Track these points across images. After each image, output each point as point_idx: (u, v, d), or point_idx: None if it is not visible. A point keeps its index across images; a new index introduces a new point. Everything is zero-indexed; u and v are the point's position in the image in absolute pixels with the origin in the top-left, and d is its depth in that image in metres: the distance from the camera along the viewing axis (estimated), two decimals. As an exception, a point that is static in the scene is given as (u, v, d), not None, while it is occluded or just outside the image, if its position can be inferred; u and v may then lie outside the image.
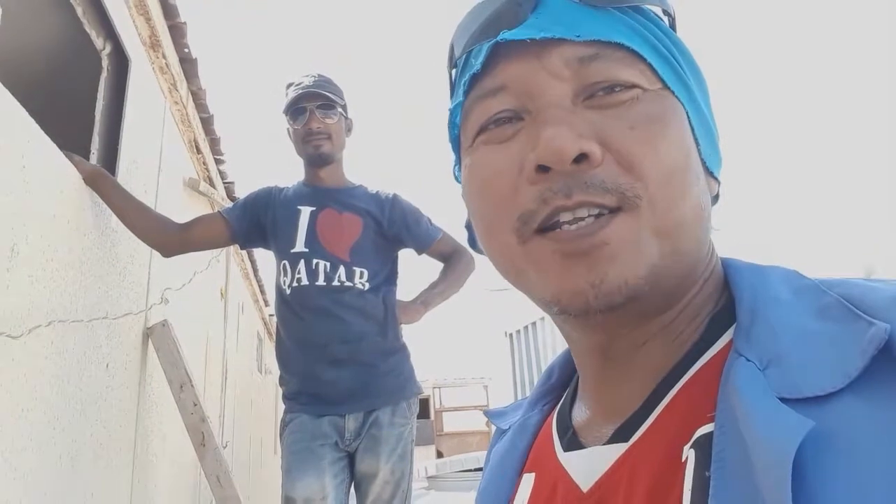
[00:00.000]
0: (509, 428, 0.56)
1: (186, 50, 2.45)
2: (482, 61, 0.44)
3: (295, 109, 1.77)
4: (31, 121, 1.38)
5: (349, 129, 1.88)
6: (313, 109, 1.76)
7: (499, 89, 0.43)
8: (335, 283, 1.72)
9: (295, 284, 1.73)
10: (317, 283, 1.72)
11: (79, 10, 1.80)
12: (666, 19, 0.46)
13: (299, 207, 1.79)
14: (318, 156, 1.79)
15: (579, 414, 0.49)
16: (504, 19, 0.43)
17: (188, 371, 2.26)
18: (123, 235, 1.86)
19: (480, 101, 0.45)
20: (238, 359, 4.41)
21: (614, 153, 0.40)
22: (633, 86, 0.41)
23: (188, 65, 2.55)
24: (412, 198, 1.95)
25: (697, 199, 0.42)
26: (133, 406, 2.12)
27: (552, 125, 0.40)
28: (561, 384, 0.54)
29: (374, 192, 1.88)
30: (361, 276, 1.74)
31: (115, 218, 1.82)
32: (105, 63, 2.01)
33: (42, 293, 1.41)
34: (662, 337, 0.42)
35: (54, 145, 1.51)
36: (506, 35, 0.42)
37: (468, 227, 0.50)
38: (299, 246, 1.75)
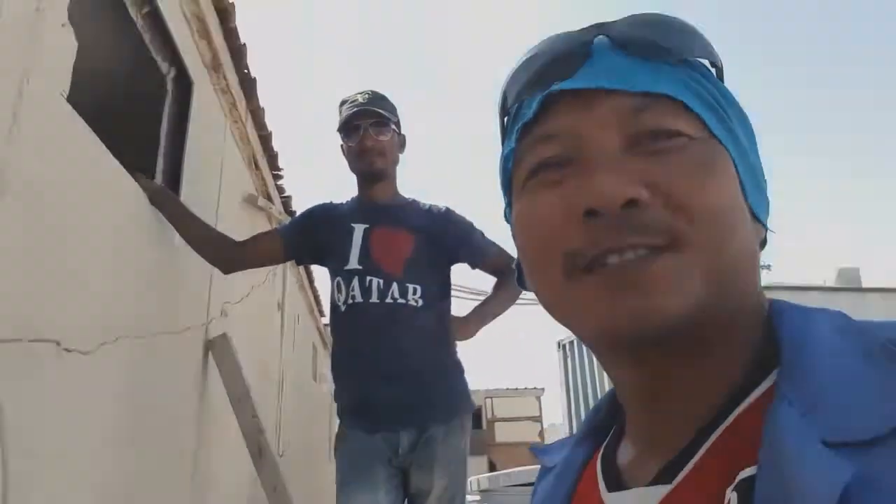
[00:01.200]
0: (555, 466, 0.56)
1: (246, 71, 2.53)
2: (535, 110, 0.46)
3: (349, 127, 1.80)
4: (100, 143, 1.45)
5: (402, 145, 1.90)
6: (367, 127, 1.78)
7: (550, 136, 0.45)
8: (388, 300, 1.73)
9: (349, 301, 1.75)
10: (371, 301, 1.73)
11: (146, 37, 1.89)
12: (714, 70, 0.48)
13: (353, 225, 1.81)
14: (371, 173, 1.81)
15: (624, 454, 0.49)
16: (556, 70, 0.45)
17: (246, 383, 2.31)
18: (185, 253, 1.93)
19: (532, 148, 0.46)
20: (294, 368, 4.49)
21: (662, 196, 0.41)
22: (680, 134, 0.43)
23: (247, 84, 2.63)
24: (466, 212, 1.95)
25: (745, 241, 0.43)
26: (194, 416, 2.18)
27: (601, 171, 0.41)
28: (608, 422, 0.55)
29: (427, 206, 1.89)
30: (415, 293, 1.74)
31: (178, 236, 1.88)
32: (170, 86, 2.09)
33: (110, 311, 1.48)
34: (707, 377, 0.42)
35: (121, 166, 1.58)
36: (558, 86, 0.45)
37: (518, 266, 0.52)
38: (353, 263, 1.77)
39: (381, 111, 1.79)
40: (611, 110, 0.43)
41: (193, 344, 2.15)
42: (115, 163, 1.54)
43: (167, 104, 2.08)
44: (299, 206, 4.05)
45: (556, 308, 0.46)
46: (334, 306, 1.80)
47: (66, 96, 1.27)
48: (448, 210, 1.89)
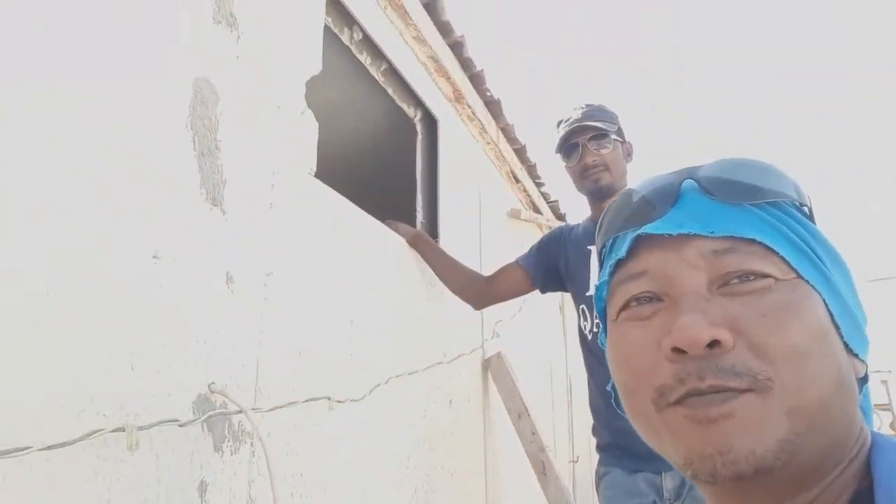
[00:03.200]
0: None
1: (488, 94, 2.58)
2: (627, 249, 0.50)
3: (566, 147, 1.70)
4: (352, 205, 1.59)
5: (628, 154, 1.73)
6: (585, 143, 1.66)
7: (640, 274, 0.48)
8: None
9: (595, 330, 1.64)
10: None
11: (389, 91, 2.04)
12: (804, 209, 0.49)
13: (589, 247, 1.70)
14: (597, 190, 1.68)
15: None
16: (647, 213, 0.49)
17: (524, 401, 2.35)
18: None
19: (624, 284, 0.50)
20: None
21: (745, 339, 0.42)
22: (766, 275, 0.44)
23: (493, 106, 2.68)
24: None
25: (834, 380, 0.43)
26: (479, 434, 2.29)
27: (687, 312, 0.44)
28: None
29: None
30: None
31: (439, 270, 1.98)
32: (419, 128, 2.24)
33: (378, 355, 1.61)
34: None
35: (377, 220, 1.72)
36: (647, 229, 0.48)
37: (613, 388, 0.54)
38: (593, 289, 1.65)
39: (597, 124, 1.65)
40: (697, 252, 0.46)
41: (471, 366, 2.26)
42: (370, 218, 1.68)
43: (419, 145, 2.23)
44: (569, 209, 4.02)
45: (650, 435, 0.48)
46: (582, 335, 1.71)
47: (313, 173, 1.42)
48: None
